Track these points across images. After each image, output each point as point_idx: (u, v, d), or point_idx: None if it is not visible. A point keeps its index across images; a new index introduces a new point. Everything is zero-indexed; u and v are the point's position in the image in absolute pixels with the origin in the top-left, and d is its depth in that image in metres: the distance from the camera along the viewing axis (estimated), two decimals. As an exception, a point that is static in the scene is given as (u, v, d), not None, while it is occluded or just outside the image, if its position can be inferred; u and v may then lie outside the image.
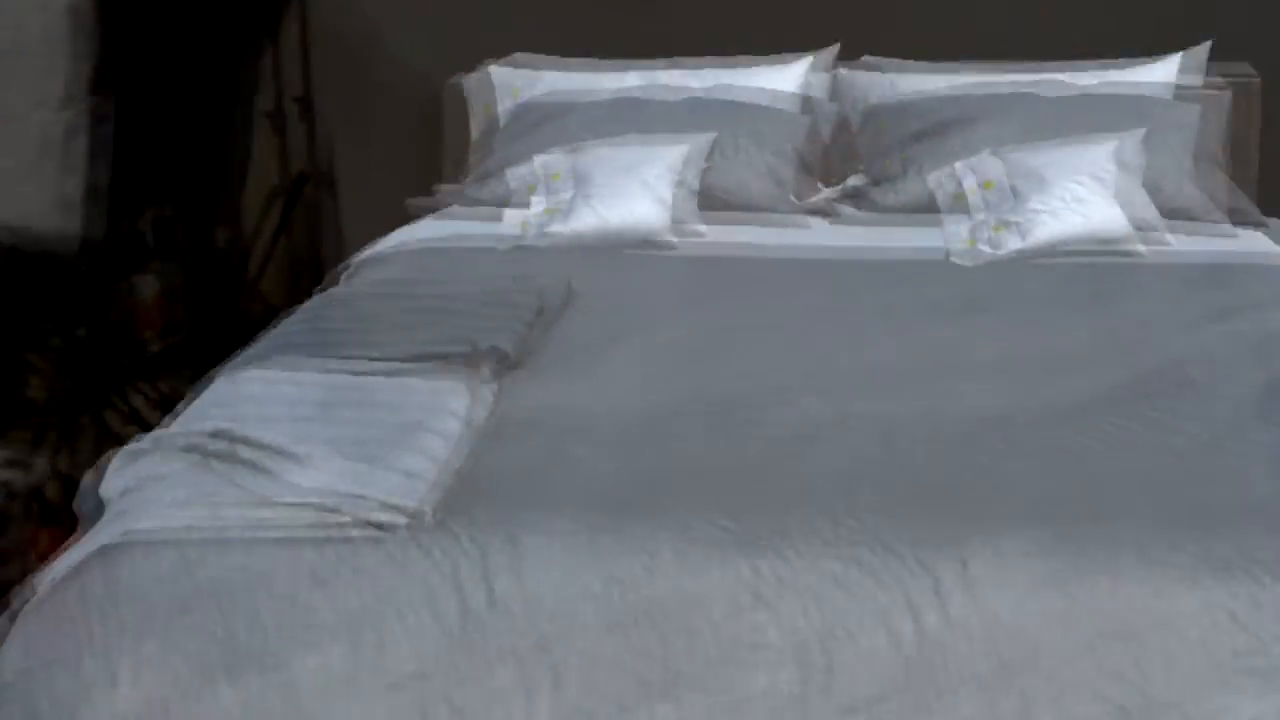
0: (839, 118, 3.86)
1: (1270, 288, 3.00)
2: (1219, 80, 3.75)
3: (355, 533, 2.05)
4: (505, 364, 2.58)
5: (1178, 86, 3.71)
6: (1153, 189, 3.36)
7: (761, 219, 3.54)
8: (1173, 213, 3.36)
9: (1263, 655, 1.86)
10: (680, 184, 3.46)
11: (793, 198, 3.61)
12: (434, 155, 4.15)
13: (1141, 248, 3.23)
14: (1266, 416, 2.32)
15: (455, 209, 3.71)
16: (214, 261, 4.32)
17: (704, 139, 3.57)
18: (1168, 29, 3.89)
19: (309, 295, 3.26)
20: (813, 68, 3.91)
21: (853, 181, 3.74)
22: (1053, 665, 1.88)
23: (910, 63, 3.88)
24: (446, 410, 2.34)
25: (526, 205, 3.57)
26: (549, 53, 4.06)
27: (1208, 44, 3.78)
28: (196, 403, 2.48)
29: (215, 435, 2.24)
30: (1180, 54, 3.77)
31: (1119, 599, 1.89)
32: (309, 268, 4.55)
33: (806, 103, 3.84)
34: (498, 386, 2.50)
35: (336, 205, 4.59)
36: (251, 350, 2.73)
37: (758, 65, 3.90)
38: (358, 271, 3.34)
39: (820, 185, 3.73)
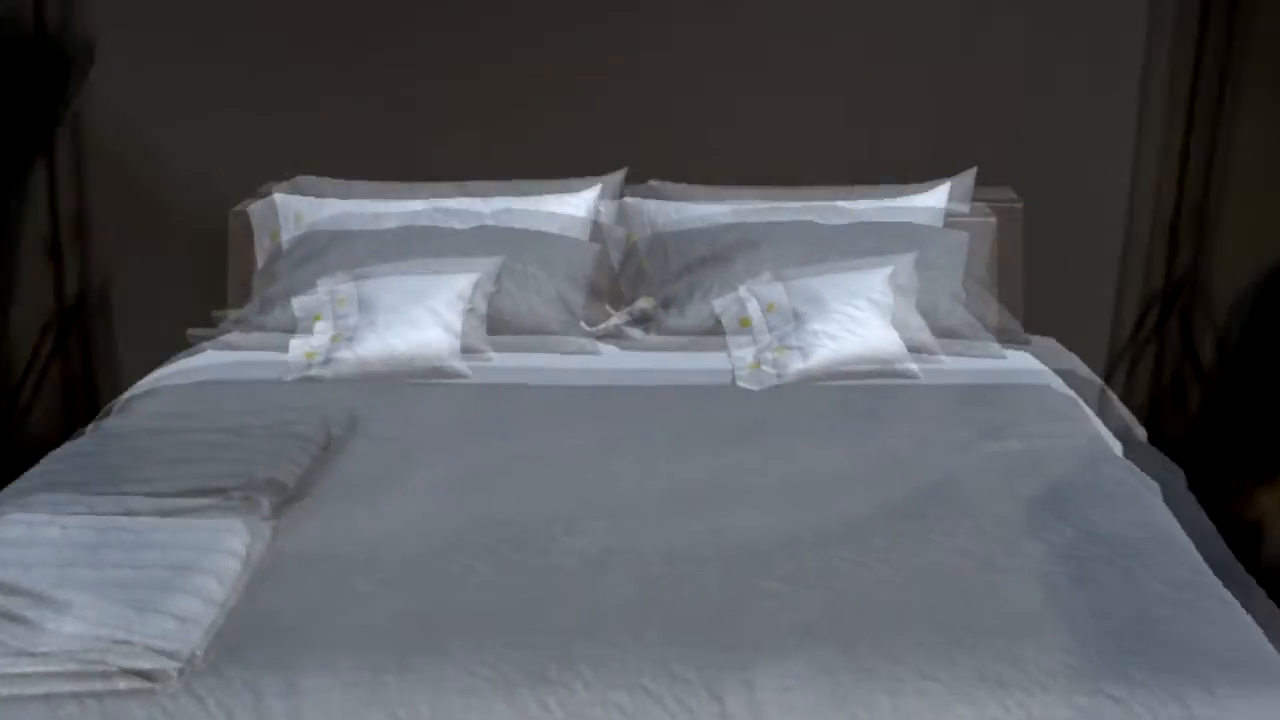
0: (627, 243, 3.94)
1: (1036, 406, 3.14)
2: (984, 206, 3.95)
3: (122, 684, 2.00)
4: (285, 497, 2.57)
5: (947, 212, 3.89)
6: (925, 311, 3.51)
7: (551, 345, 3.57)
8: (945, 333, 3.50)
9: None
10: (469, 311, 3.48)
11: (582, 323, 3.66)
12: (216, 282, 4.07)
13: (916, 368, 3.35)
14: (1034, 532, 2.44)
15: (237, 338, 3.64)
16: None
17: (492, 265, 3.60)
18: (936, 158, 4.07)
19: (82, 429, 3.19)
20: (600, 194, 3.98)
21: (640, 305, 3.81)
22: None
23: (695, 188, 3.99)
24: (222, 548, 2.30)
25: (311, 333, 3.52)
26: (334, 177, 4.05)
27: (973, 171, 3.97)
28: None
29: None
30: (948, 181, 3.95)
31: (899, 716, 1.97)
32: (83, 400, 4.42)
33: (595, 228, 3.91)
34: (276, 522, 2.49)
35: (112, 333, 4.46)
36: (14, 487, 2.65)
37: (545, 191, 3.96)
38: (132, 404, 3.27)
39: (609, 310, 3.79)
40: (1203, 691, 1.99)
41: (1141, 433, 3.29)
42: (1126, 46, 4.13)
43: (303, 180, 4.03)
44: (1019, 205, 4.01)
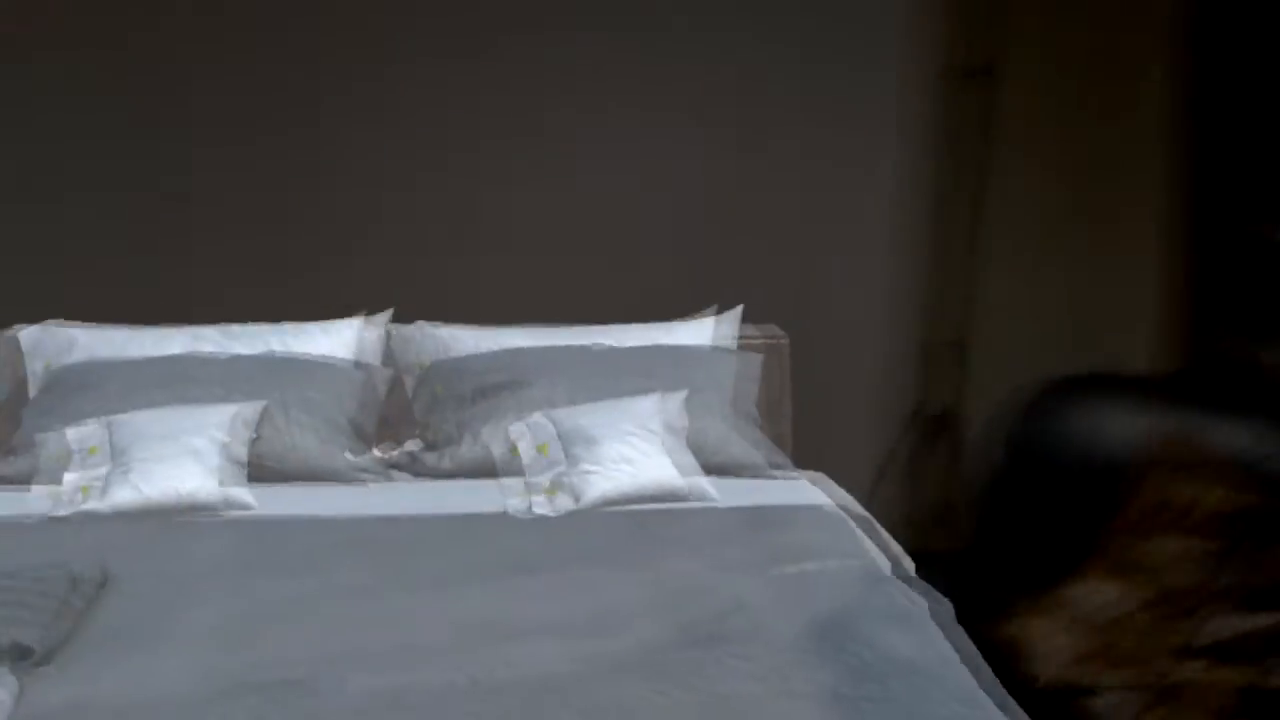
0: (393, 381, 3.86)
1: (819, 530, 3.16)
2: (751, 341, 4.00)
3: None
4: (29, 660, 2.37)
5: (714, 347, 3.92)
6: (695, 445, 3.50)
7: (313, 486, 3.44)
8: (715, 467, 3.49)
9: None
10: (227, 451, 3.32)
11: (348, 460, 3.53)
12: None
13: (687, 502, 3.33)
14: (830, 655, 2.42)
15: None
16: None
17: (252, 405, 3.47)
18: (703, 295, 4.13)
19: None
20: (365, 331, 3.89)
21: (409, 447, 3.72)
22: None
23: (463, 327, 3.93)
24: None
25: (59, 481, 3.32)
26: (85, 320, 3.87)
27: (739, 309, 4.03)
28: None
29: None
30: (715, 317, 3.99)
31: None
32: None
33: (360, 366, 3.81)
34: (19, 685, 2.28)
35: None
36: None
37: (308, 329, 3.85)
38: None
39: (375, 450, 3.69)
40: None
41: (909, 564, 3.32)
42: (880, 183, 4.29)
43: (52, 325, 3.82)
44: (785, 340, 4.07)
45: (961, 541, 4.48)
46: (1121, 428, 3.94)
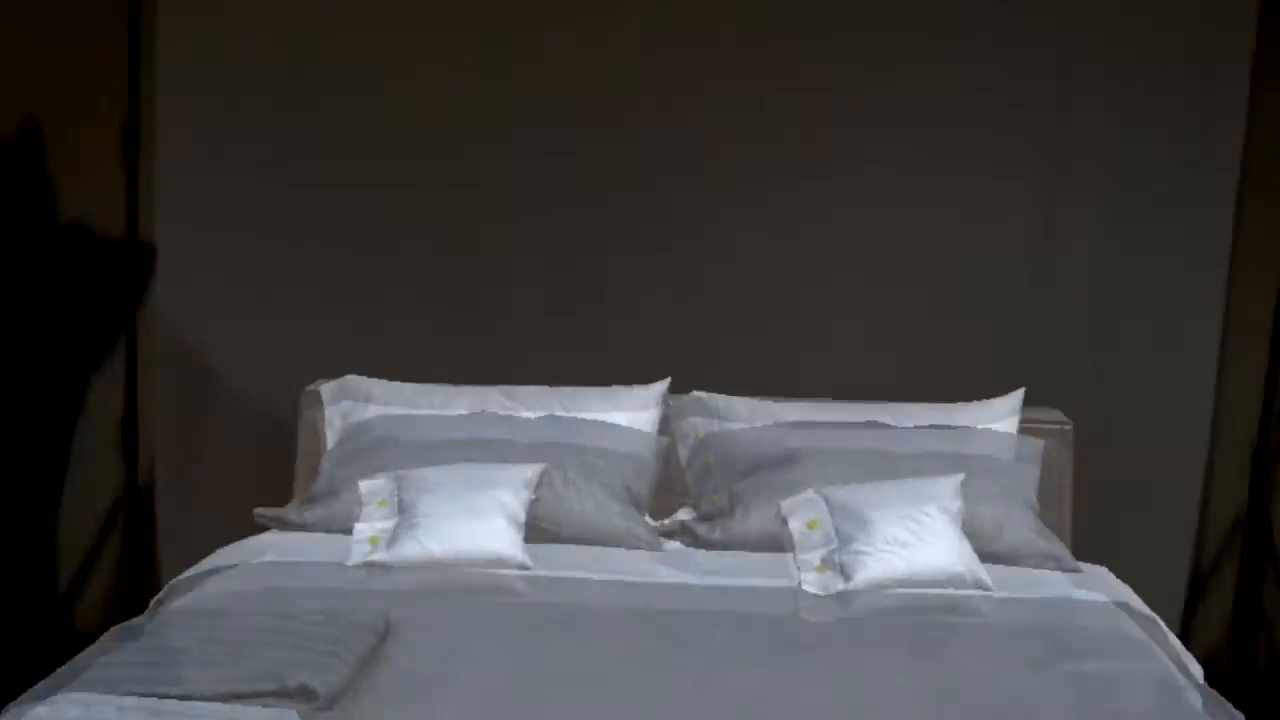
0: (694, 439, 3.90)
1: (1110, 628, 3.04)
2: (1034, 426, 3.88)
3: None
4: (313, 703, 2.46)
5: (994, 430, 3.81)
6: (971, 531, 3.40)
7: (589, 551, 3.48)
8: (992, 557, 3.39)
9: None
10: (507, 511, 3.40)
11: (620, 529, 3.56)
12: (269, 476, 4.09)
13: (963, 592, 3.24)
14: None
15: (274, 535, 3.59)
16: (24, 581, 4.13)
17: (533, 469, 3.54)
18: (985, 378, 4.04)
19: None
20: (643, 402, 3.93)
21: (681, 515, 3.74)
22: None
23: (737, 399, 3.94)
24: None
25: (350, 532, 3.46)
26: (379, 377, 4.04)
27: (1021, 391, 3.91)
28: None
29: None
30: (998, 400, 3.89)
31: None
32: (146, 587, 4.38)
33: (637, 436, 3.85)
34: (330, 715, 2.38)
35: (154, 528, 4.47)
36: (74, 663, 2.63)
37: (589, 393, 3.92)
38: (195, 582, 3.23)
39: (649, 520, 3.71)
40: None
41: (1198, 670, 3.14)
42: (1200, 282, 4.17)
43: (351, 380, 4.01)
44: (1069, 427, 3.94)
45: (1273, 658, 4.22)
46: None
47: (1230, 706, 2.64)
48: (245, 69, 4.26)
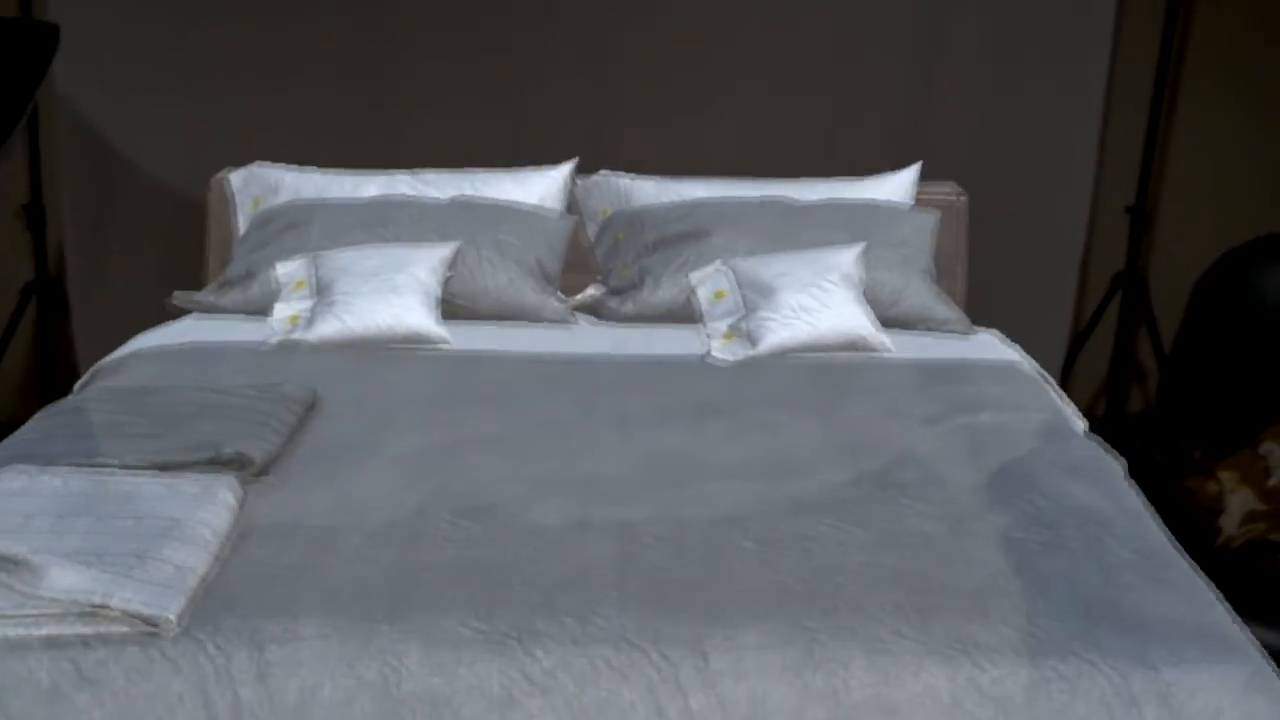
0: (601, 217, 3.98)
1: (1002, 383, 3.21)
2: (929, 197, 4.00)
3: (97, 645, 2.02)
4: (250, 471, 2.56)
5: (892, 202, 3.92)
6: (872, 298, 3.54)
7: (504, 326, 3.58)
8: (891, 322, 3.53)
9: (981, 735, 1.98)
10: (424, 289, 3.47)
11: (533, 304, 3.65)
12: (180, 260, 4.13)
13: (864, 355, 3.39)
14: (1005, 500, 2.49)
15: (193, 319, 3.64)
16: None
17: (447, 248, 3.61)
18: (882, 151, 4.13)
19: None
20: (550, 180, 3.99)
21: (590, 291, 3.84)
22: (792, 752, 1.97)
23: (643, 178, 4.00)
24: (215, 501, 2.34)
25: (269, 313, 3.53)
26: (289, 164, 4.04)
27: (918, 165, 4.02)
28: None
29: (-58, 547, 2.16)
30: (908, 170, 3.99)
31: (849, 686, 2.00)
32: (60, 372, 4.44)
33: (547, 215, 3.90)
34: (243, 494, 2.48)
35: (68, 316, 4.47)
36: (9, 441, 2.68)
37: (496, 176, 3.96)
38: (120, 365, 3.28)
39: (560, 295, 3.80)
40: (1171, 656, 2.04)
41: (1082, 423, 3.35)
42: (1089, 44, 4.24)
43: (258, 168, 4.00)
44: (963, 199, 4.07)
45: (1150, 404, 4.49)
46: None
47: (1113, 450, 2.84)
48: None
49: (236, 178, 3.99)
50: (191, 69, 4.28)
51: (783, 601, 2.13)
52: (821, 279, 3.47)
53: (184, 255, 4.13)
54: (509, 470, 2.63)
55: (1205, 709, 1.98)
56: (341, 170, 3.97)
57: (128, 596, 2.05)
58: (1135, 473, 2.76)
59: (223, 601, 2.11)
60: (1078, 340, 4.49)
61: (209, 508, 2.34)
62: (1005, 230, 4.25)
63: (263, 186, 3.96)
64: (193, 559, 2.18)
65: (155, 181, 4.35)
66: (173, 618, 2.04)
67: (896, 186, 3.96)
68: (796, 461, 2.69)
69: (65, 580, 2.08)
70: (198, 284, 3.92)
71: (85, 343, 4.38)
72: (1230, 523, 3.11)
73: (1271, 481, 3.19)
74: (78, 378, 3.48)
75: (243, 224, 3.94)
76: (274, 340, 3.40)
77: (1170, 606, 2.16)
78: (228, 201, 3.99)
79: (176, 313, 3.68)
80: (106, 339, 3.61)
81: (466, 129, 4.27)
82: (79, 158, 4.38)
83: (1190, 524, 2.62)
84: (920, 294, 3.63)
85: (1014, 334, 3.68)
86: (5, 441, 2.73)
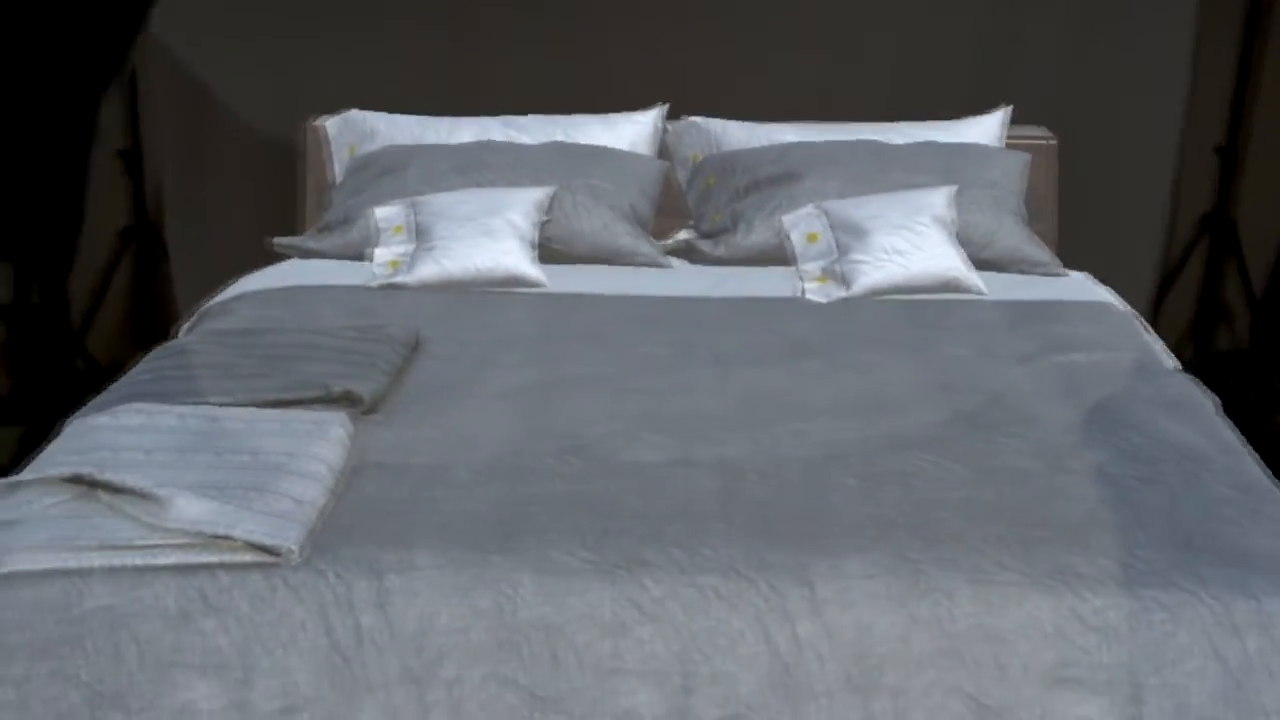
0: (693, 161, 4.03)
1: (1096, 322, 3.23)
2: (1020, 141, 4.01)
3: (247, 557, 2.09)
4: (359, 409, 2.63)
5: (983, 145, 3.94)
6: (964, 239, 3.56)
7: (623, 257, 3.66)
8: (984, 262, 3.55)
9: (1083, 665, 2.02)
10: (520, 233, 3.54)
11: (627, 247, 3.70)
12: (277, 203, 4.21)
13: (957, 296, 3.42)
14: (1102, 437, 2.51)
15: (320, 246, 3.73)
16: (38, 314, 4.26)
17: (542, 192, 3.66)
18: (970, 96, 4.14)
19: (144, 350, 3.25)
20: (640, 125, 4.04)
21: (683, 235, 3.88)
22: (897, 680, 2.02)
23: (733, 122, 4.04)
24: (306, 454, 2.38)
25: (369, 257, 3.60)
26: (382, 109, 4.12)
27: (1008, 109, 4.03)
28: (48, 450, 2.46)
29: (72, 480, 2.24)
30: (999, 112, 4.01)
31: (954, 615, 2.04)
32: (160, 314, 4.53)
33: (639, 160, 3.96)
34: (354, 430, 2.55)
35: (166, 260, 4.58)
36: (98, 399, 2.72)
37: (588, 121, 4.02)
38: (226, 307, 3.36)
39: (650, 238, 3.85)
40: (1272, 587, 2.05)
41: (1173, 362, 3.36)
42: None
43: (353, 115, 4.09)
44: (1053, 142, 4.07)
45: (1239, 344, 4.47)
46: None
47: (1205, 388, 2.85)
48: None
49: (332, 124, 4.07)
50: (283, 11, 4.33)
51: (886, 533, 2.17)
52: (913, 221, 3.48)
53: (279, 200, 4.22)
54: (610, 408, 2.69)
55: (1308, 639, 2.01)
56: (435, 116, 4.03)
57: (250, 528, 2.13)
58: (1227, 410, 2.78)
59: (340, 533, 2.18)
60: (1166, 281, 4.47)
61: (322, 443, 2.41)
62: (1095, 172, 4.23)
63: (358, 132, 4.05)
64: (310, 492, 2.26)
65: (250, 126, 4.42)
66: (294, 548, 2.11)
67: (986, 129, 3.98)
68: (892, 400, 2.73)
69: (190, 511, 2.15)
70: (293, 229, 4.02)
71: (183, 287, 4.47)
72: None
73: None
74: (175, 321, 3.56)
75: (338, 169, 4.03)
76: (375, 284, 3.47)
77: (1270, 539, 2.18)
78: (323, 147, 4.07)
79: (275, 257, 3.77)
80: (204, 283, 3.70)
81: (556, 75, 4.30)
82: (175, 102, 4.46)
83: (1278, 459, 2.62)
84: (1012, 235, 3.64)
85: (1104, 275, 3.69)
86: (119, 382, 2.81)
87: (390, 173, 3.81)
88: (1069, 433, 2.55)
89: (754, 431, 2.56)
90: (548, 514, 2.24)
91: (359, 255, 3.64)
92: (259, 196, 4.38)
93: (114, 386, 2.80)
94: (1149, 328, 3.38)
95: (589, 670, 2.04)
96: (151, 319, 4.50)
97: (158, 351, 3.02)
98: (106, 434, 2.45)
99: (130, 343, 4.33)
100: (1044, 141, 4.06)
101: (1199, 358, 4.42)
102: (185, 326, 3.41)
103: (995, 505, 2.26)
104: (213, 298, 3.47)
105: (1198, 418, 2.65)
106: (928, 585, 2.06)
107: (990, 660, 2.02)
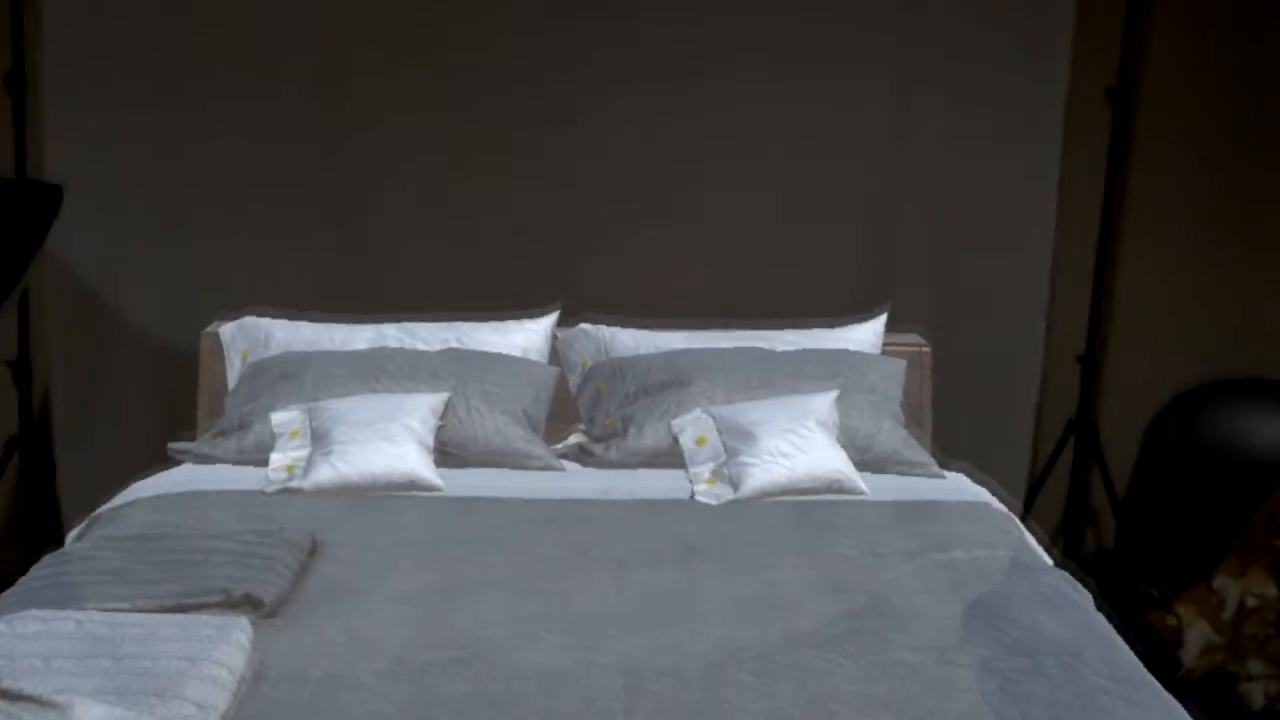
0: (582, 368, 4.15)
1: (974, 521, 3.36)
2: (895, 348, 4.20)
3: None
4: (260, 612, 2.65)
5: (862, 352, 4.12)
6: (847, 444, 3.69)
7: (495, 472, 3.71)
8: (865, 465, 3.69)
9: None
10: (417, 437, 3.60)
11: (521, 450, 3.77)
12: (172, 408, 4.26)
13: (841, 496, 3.54)
14: (985, 631, 2.62)
15: (189, 467, 3.74)
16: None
17: (437, 398, 3.74)
18: (849, 303, 4.34)
19: (31, 560, 3.22)
20: (532, 332, 4.17)
21: (574, 439, 3.98)
22: None
23: (622, 330, 4.19)
24: (208, 658, 2.37)
25: (265, 462, 3.63)
26: (279, 312, 4.19)
27: (884, 315, 4.24)
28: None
29: (-33, 689, 2.22)
30: (865, 325, 4.21)
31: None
32: (27, 533, 4.48)
33: (532, 366, 4.07)
34: (254, 634, 2.56)
35: (54, 469, 4.55)
36: (18, 587, 2.74)
37: (481, 328, 4.14)
38: (121, 512, 3.36)
39: (543, 442, 3.91)
40: (1150, 773, 2.15)
41: (1048, 558, 3.50)
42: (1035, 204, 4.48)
43: (249, 320, 4.16)
44: (927, 349, 4.27)
45: (1107, 543, 4.65)
46: (1272, 430, 4.03)
47: (1077, 583, 2.98)
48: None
49: (227, 330, 4.13)
50: (177, 221, 4.39)
51: (785, 727, 2.24)
52: (798, 424, 3.62)
53: (173, 408, 4.25)
54: (510, 608, 2.73)
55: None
56: (330, 322, 4.13)
57: (155, 733, 2.13)
58: (1097, 606, 2.91)
59: (246, 736, 2.19)
60: (1035, 483, 4.66)
61: (223, 647, 2.41)
62: (967, 378, 4.43)
63: (253, 338, 4.11)
64: (213, 697, 2.26)
65: (143, 334, 4.44)
66: (200, 754, 2.12)
67: (865, 335, 4.16)
68: (784, 599, 2.81)
69: (91, 718, 2.14)
70: (186, 434, 4.02)
71: (72, 497, 4.43)
72: (1190, 654, 3.25)
73: (1226, 615, 3.34)
74: (62, 531, 3.53)
75: (232, 375, 4.07)
76: (270, 488, 3.50)
77: (1147, 727, 2.29)
78: (218, 353, 4.12)
79: (168, 463, 3.77)
80: (94, 493, 3.67)
81: (446, 277, 4.40)
82: (66, 312, 4.46)
83: (1152, 656, 2.75)
84: (892, 438, 3.80)
85: (976, 477, 3.84)
86: (11, 589, 2.79)
87: (287, 378, 3.87)
88: (954, 627, 2.65)
89: (652, 631, 2.63)
90: (452, 714, 2.27)
91: (255, 459, 3.66)
92: (152, 405, 4.40)
93: (6, 594, 2.78)
94: (1020, 524, 3.53)
95: None
96: (39, 529, 4.44)
97: (50, 558, 3.01)
98: (2, 642, 2.42)
99: (16, 553, 4.25)
100: (918, 349, 4.26)
101: (1068, 554, 4.59)
102: (75, 532, 3.39)
103: (887, 698, 2.34)
104: (104, 503, 3.46)
105: (1073, 612, 2.78)
106: (827, 777, 2.13)
107: None
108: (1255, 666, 3.13)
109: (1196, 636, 3.29)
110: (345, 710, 2.29)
